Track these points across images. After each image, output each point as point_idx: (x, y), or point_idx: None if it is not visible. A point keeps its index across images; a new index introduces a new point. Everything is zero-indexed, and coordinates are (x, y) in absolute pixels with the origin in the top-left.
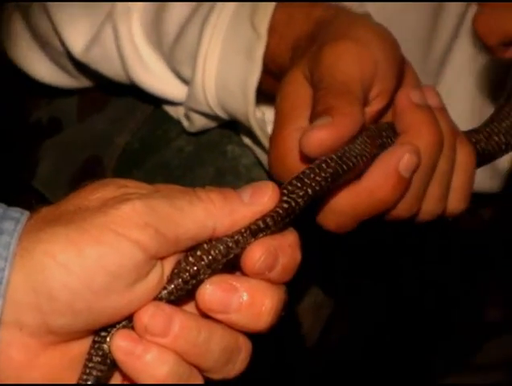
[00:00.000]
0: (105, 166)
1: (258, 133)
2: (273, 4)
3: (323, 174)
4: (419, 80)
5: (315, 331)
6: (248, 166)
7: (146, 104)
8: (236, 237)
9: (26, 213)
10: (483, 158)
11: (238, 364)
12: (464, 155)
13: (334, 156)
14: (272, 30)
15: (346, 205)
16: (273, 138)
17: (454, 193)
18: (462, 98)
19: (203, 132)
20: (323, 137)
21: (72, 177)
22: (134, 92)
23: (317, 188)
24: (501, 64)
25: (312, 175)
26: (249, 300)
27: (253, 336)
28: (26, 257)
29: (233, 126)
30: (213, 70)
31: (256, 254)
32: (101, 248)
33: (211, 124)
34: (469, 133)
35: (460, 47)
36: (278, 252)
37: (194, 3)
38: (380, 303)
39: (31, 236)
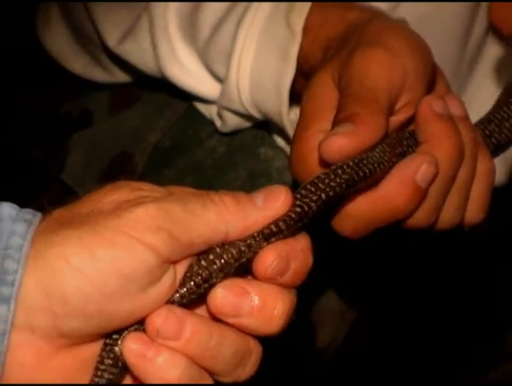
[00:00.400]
0: (135, 163)
1: (291, 133)
2: (308, 4)
3: (338, 180)
4: (450, 88)
5: (340, 335)
6: (280, 169)
7: (179, 103)
8: (248, 241)
9: (39, 215)
10: (498, 149)
11: (249, 368)
12: (484, 165)
13: (351, 162)
14: (306, 30)
15: (362, 211)
16: (296, 138)
17: (473, 203)
18: (490, 97)
19: (235, 133)
20: (343, 144)
21: (102, 172)
22: (166, 90)
23: (331, 193)
24: None
25: (327, 181)
26: (260, 304)
27: (268, 339)
28: (38, 260)
29: (266, 128)
30: (248, 68)
31: (268, 259)
32: (115, 251)
33: (244, 124)
34: (482, 124)
35: (492, 43)
36: (290, 257)
37: (230, 3)
38: (397, 307)
39: (44, 239)
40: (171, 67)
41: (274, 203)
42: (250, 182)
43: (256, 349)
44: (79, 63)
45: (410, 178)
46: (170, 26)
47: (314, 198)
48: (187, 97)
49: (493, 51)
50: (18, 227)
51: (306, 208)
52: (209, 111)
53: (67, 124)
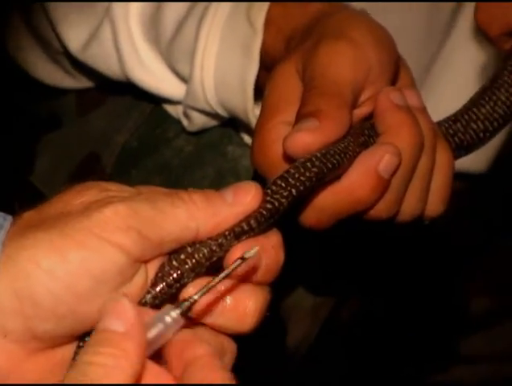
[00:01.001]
0: (103, 164)
1: None
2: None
3: (307, 174)
4: (413, 79)
5: (313, 332)
6: (248, 168)
7: (145, 103)
8: (220, 240)
9: (9, 218)
10: (461, 149)
11: (225, 365)
12: (443, 157)
13: (319, 154)
14: (268, 22)
15: (326, 203)
16: (257, 129)
17: (433, 195)
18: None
19: (203, 132)
20: (307, 140)
21: (71, 174)
22: (132, 91)
23: (301, 188)
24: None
25: (297, 175)
26: (232, 303)
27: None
28: (9, 264)
29: (233, 126)
30: (211, 67)
31: (237, 257)
32: (85, 252)
33: (210, 122)
34: (447, 123)
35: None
36: (261, 254)
37: (190, 2)
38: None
39: (14, 243)
40: (136, 70)
41: (243, 198)
42: (218, 181)
43: (230, 348)
44: (44, 71)
45: (373, 169)
46: (132, 29)
47: (285, 194)
48: (154, 97)
49: (464, 50)
50: None
51: (277, 204)
52: (176, 110)
53: (35, 126)
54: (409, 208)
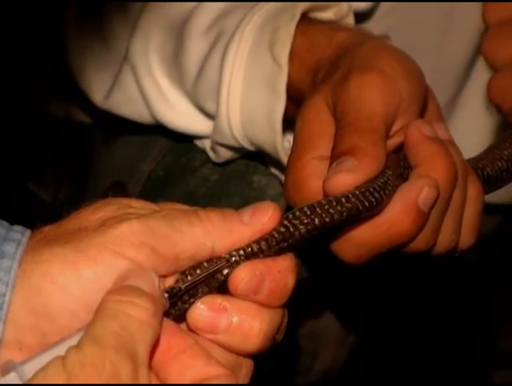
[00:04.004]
0: (129, 193)
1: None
2: (292, 30)
3: (339, 208)
4: (441, 110)
5: (341, 359)
6: (274, 197)
7: (171, 132)
8: (232, 259)
9: (28, 233)
10: (489, 184)
11: (239, 381)
12: (474, 189)
13: (357, 191)
14: (293, 55)
15: (366, 237)
16: (291, 165)
17: (464, 227)
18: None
19: (228, 161)
20: (348, 181)
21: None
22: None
23: (327, 220)
24: None
25: (327, 207)
26: (237, 322)
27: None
28: (24, 279)
29: (258, 155)
30: (237, 103)
31: (239, 276)
32: (98, 267)
33: (237, 155)
34: (474, 160)
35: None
36: (265, 276)
37: (212, 35)
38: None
39: (30, 258)
40: (163, 111)
41: (261, 218)
42: None
43: (246, 363)
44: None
45: (413, 203)
46: (156, 75)
47: (305, 221)
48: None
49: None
50: (7, 248)
51: (291, 229)
52: (203, 143)
53: (62, 154)
54: (444, 240)
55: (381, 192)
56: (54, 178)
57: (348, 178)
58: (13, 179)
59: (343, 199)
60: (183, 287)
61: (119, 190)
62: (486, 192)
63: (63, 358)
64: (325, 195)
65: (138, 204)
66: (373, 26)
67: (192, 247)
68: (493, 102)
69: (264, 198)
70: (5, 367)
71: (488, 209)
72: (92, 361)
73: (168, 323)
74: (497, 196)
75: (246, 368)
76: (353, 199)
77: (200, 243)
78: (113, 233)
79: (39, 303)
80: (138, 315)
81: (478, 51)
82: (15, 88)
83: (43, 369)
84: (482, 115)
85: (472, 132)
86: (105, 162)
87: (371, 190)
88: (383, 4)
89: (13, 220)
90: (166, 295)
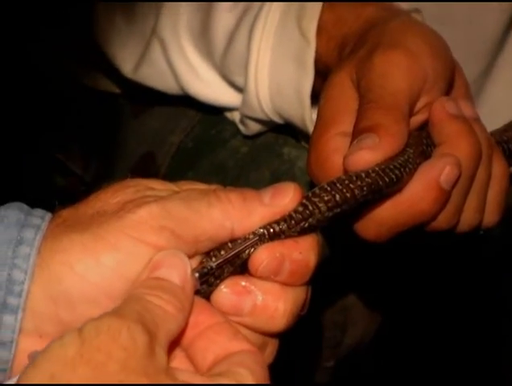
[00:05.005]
0: (158, 164)
1: None
2: (320, 5)
3: (359, 183)
4: (468, 86)
5: (370, 334)
6: (304, 169)
7: (200, 103)
8: (248, 242)
9: (47, 217)
10: None
11: (265, 358)
12: (499, 167)
13: (377, 167)
14: (320, 29)
15: (387, 215)
16: (314, 141)
17: (489, 205)
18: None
19: (258, 134)
20: (369, 158)
21: (127, 172)
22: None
23: (348, 195)
24: None
25: (347, 182)
26: (262, 303)
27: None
28: (43, 268)
29: (288, 127)
30: (265, 78)
31: (259, 259)
32: (118, 254)
33: (266, 128)
34: (498, 133)
35: None
36: (285, 258)
37: (239, 10)
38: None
39: (49, 245)
40: (192, 84)
41: (281, 199)
42: (274, 183)
43: (272, 342)
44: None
45: (435, 181)
46: (183, 44)
47: (326, 198)
48: None
49: None
50: (26, 234)
51: (311, 208)
52: (232, 115)
53: (91, 127)
54: (468, 219)
55: (402, 169)
56: (83, 150)
57: (368, 156)
58: (42, 150)
59: (363, 174)
60: (214, 265)
61: (149, 161)
62: (511, 164)
63: (80, 327)
64: (345, 171)
65: (157, 185)
66: None
67: (212, 228)
68: None
69: (294, 170)
70: (31, 356)
71: None
72: (109, 328)
73: (199, 301)
74: None
75: (272, 346)
76: (373, 175)
77: (220, 224)
78: (131, 218)
79: (58, 292)
80: (164, 307)
81: None
82: (42, 57)
83: (61, 337)
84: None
85: (506, 103)
86: (134, 134)
87: (391, 167)
88: None
89: (39, 194)
90: (196, 275)
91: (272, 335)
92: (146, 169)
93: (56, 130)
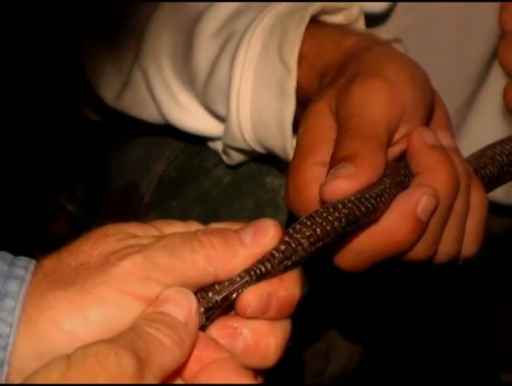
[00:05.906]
0: (141, 193)
1: None
2: (300, 36)
3: (336, 215)
4: (449, 116)
5: (354, 362)
6: None
7: (183, 133)
8: (235, 284)
9: (31, 268)
10: (491, 182)
11: None
12: (477, 197)
13: (353, 197)
14: (301, 59)
15: (364, 246)
16: (292, 170)
17: (468, 236)
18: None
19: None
20: (345, 188)
21: (109, 202)
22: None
23: (328, 227)
24: None
25: (325, 214)
26: (253, 343)
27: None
28: (30, 326)
29: (271, 157)
30: (247, 108)
31: (247, 301)
32: (105, 308)
33: (249, 157)
34: (474, 158)
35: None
36: (272, 297)
37: (222, 38)
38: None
39: (34, 302)
40: (173, 113)
41: (262, 239)
42: (257, 212)
43: (260, 375)
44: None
45: (412, 212)
46: (166, 76)
47: (308, 233)
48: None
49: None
50: (10, 287)
51: (293, 245)
52: (215, 145)
53: (73, 154)
54: (446, 249)
55: (378, 199)
56: (67, 179)
57: (344, 185)
58: (25, 180)
59: (340, 205)
60: (219, 299)
61: (132, 190)
62: (488, 191)
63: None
64: (321, 200)
65: (137, 230)
66: (389, 25)
67: (195, 274)
68: (509, 109)
69: (277, 199)
70: None
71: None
72: (97, 352)
73: (204, 336)
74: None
75: (260, 379)
76: (349, 205)
77: (203, 269)
78: (116, 271)
79: (47, 350)
80: (161, 339)
81: (496, 52)
82: (25, 86)
83: (50, 362)
84: (500, 116)
85: (489, 133)
86: (117, 163)
87: (367, 196)
88: (400, 4)
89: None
90: (202, 310)
91: (265, 369)
92: (129, 198)
93: (40, 158)
